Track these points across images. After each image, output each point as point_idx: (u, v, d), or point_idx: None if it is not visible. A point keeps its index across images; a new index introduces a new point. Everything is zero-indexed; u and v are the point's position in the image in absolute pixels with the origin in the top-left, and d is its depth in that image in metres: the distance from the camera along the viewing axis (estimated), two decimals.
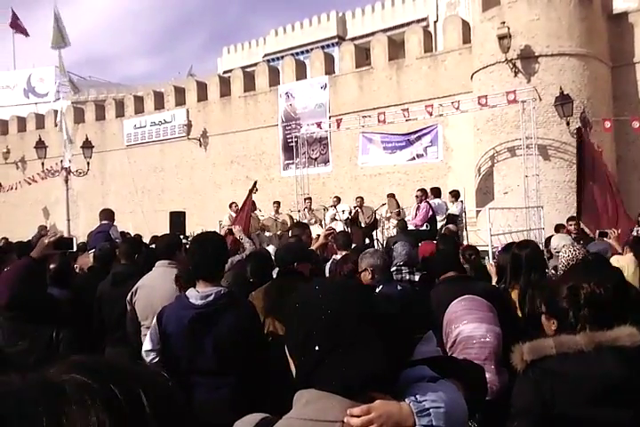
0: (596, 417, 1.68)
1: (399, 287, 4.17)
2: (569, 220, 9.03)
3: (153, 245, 6.23)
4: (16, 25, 26.97)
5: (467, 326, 1.99)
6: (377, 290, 4.00)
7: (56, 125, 19.48)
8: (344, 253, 5.51)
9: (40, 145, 19.33)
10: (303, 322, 1.24)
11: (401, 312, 1.58)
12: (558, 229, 9.04)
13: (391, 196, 13.27)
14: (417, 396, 1.22)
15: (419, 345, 1.66)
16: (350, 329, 1.20)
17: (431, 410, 1.19)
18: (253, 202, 11.53)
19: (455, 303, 2.14)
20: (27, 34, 27.25)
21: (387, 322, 1.28)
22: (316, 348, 1.20)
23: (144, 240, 8.34)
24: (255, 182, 10.67)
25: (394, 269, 5.07)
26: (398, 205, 12.70)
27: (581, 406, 1.70)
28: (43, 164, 19.64)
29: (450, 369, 1.44)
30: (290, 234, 7.86)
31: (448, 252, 4.22)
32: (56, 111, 21.70)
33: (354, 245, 6.46)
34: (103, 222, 7.60)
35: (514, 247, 3.75)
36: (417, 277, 4.81)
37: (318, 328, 1.21)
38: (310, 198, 14.61)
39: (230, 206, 13.86)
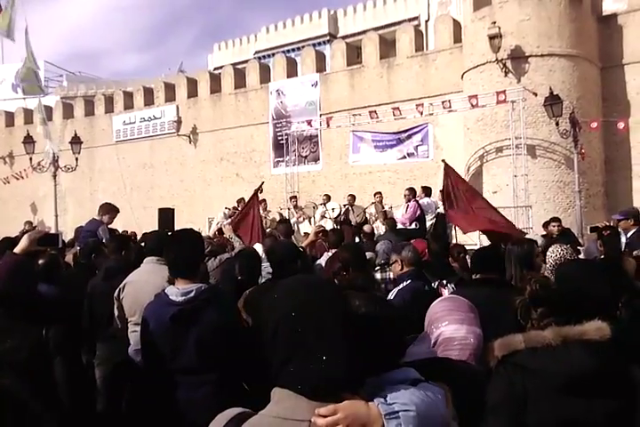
0: (567, 409, 1.72)
1: (426, 287, 4.01)
2: (551, 220, 9.04)
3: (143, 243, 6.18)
4: None
5: (447, 327, 1.99)
6: (404, 284, 3.87)
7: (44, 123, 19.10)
8: (335, 251, 5.51)
9: (28, 140, 19.11)
10: (270, 321, 1.24)
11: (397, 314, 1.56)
12: (546, 225, 9.10)
13: (378, 194, 13.15)
14: (387, 398, 1.22)
15: (411, 346, 1.65)
16: (314, 329, 1.20)
17: (400, 413, 1.19)
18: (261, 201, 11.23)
19: (436, 304, 2.14)
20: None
21: (355, 322, 1.27)
22: (281, 347, 1.21)
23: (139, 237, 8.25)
24: (262, 183, 10.50)
25: (377, 267, 5.12)
26: (382, 206, 12.67)
27: (553, 399, 1.74)
28: (31, 159, 19.43)
29: (440, 372, 1.44)
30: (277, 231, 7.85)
31: (490, 250, 4.10)
32: (46, 106, 21.41)
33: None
34: (94, 219, 7.42)
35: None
36: None
37: (283, 328, 1.21)
38: (295, 197, 14.59)
39: (238, 202, 13.57)
